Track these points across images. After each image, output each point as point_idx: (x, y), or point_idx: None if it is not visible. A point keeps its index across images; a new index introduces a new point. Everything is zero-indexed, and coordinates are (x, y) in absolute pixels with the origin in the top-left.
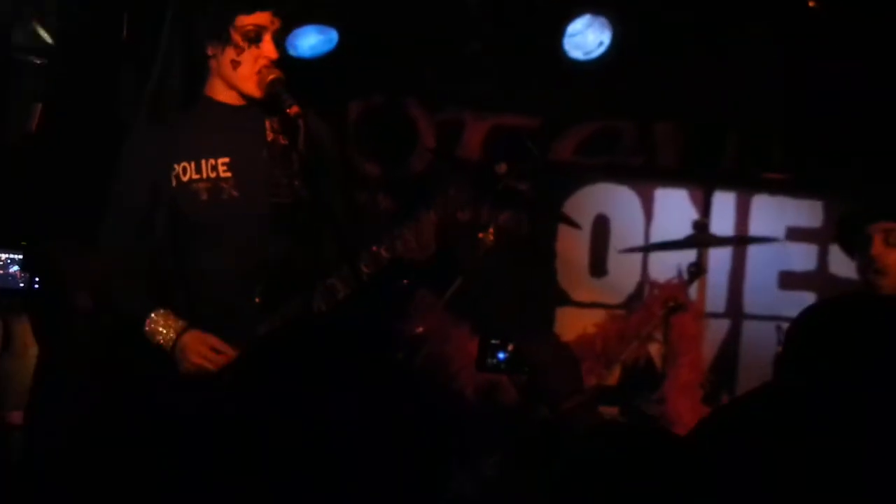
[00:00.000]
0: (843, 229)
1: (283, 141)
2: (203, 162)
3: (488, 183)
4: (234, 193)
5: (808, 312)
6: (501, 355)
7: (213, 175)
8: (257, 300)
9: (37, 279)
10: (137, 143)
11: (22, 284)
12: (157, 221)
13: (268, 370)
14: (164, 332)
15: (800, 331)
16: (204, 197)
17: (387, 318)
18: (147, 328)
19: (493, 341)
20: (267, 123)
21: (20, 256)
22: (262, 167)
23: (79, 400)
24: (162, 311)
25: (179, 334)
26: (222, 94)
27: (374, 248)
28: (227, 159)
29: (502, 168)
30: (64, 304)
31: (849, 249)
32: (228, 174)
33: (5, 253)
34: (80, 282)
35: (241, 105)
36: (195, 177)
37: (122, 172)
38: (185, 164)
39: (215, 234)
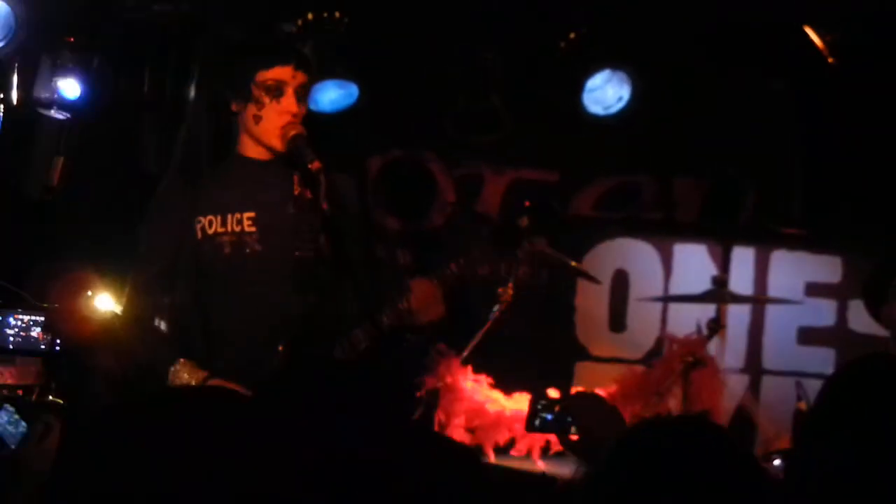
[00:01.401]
0: (868, 291)
1: (308, 195)
2: (229, 216)
3: (510, 238)
4: (258, 248)
5: (846, 373)
6: (549, 416)
7: (237, 229)
8: (280, 349)
9: (58, 341)
10: (166, 197)
11: (43, 346)
12: (182, 274)
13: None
14: (188, 380)
15: (836, 391)
16: (227, 251)
17: (405, 373)
18: (171, 378)
19: (542, 402)
20: (295, 178)
21: (41, 318)
22: (287, 222)
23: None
24: (184, 360)
25: (202, 384)
26: (250, 149)
27: (399, 304)
28: (252, 214)
29: (524, 222)
30: (86, 364)
31: (875, 311)
32: (253, 228)
33: (27, 315)
34: (102, 342)
35: (269, 160)
36: (220, 230)
37: (149, 224)
38: (210, 217)
39: (238, 287)
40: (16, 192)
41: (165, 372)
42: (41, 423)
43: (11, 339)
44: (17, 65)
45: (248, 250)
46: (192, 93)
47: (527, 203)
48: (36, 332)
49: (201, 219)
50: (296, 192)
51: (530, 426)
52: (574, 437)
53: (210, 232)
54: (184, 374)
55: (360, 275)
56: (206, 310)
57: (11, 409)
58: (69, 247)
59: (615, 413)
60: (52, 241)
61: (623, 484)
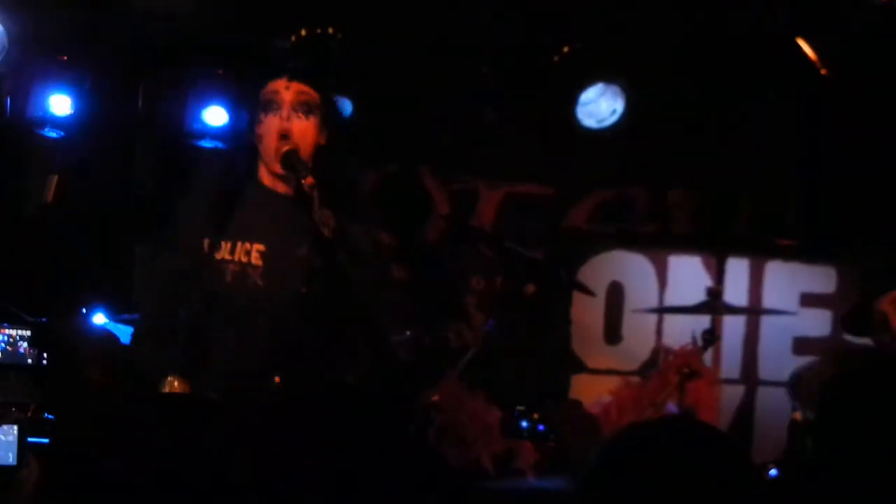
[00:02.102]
0: (853, 321)
1: (327, 234)
2: (239, 244)
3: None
4: (259, 283)
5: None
6: (525, 423)
7: (244, 259)
8: (276, 380)
9: (45, 355)
10: (186, 214)
11: (30, 360)
12: (193, 292)
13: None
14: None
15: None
16: (228, 279)
17: (402, 389)
18: (161, 389)
19: (519, 408)
20: (305, 211)
21: (28, 333)
22: (297, 262)
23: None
24: (173, 377)
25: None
26: (266, 177)
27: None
28: (262, 247)
29: (530, 289)
30: (74, 379)
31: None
32: (259, 262)
33: (14, 329)
34: (90, 356)
35: (288, 193)
36: (227, 257)
37: (167, 240)
38: (222, 241)
39: (236, 314)
40: (10, 210)
41: (159, 380)
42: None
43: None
44: (9, 83)
45: (249, 283)
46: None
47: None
48: (23, 346)
49: (211, 240)
50: (315, 232)
51: (506, 433)
52: (551, 445)
53: (217, 255)
54: (168, 389)
55: (368, 297)
56: (208, 327)
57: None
58: (64, 263)
59: (591, 420)
60: (47, 258)
61: (614, 484)
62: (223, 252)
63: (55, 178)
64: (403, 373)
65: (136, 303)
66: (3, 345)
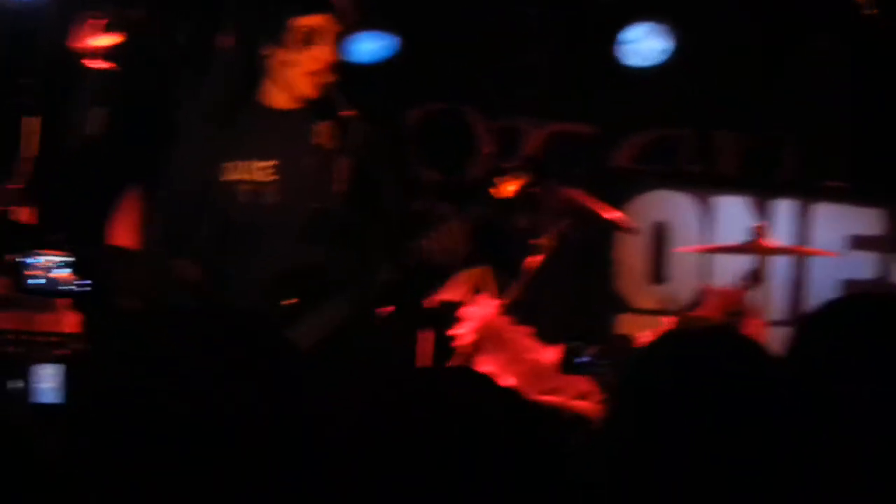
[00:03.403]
0: None
1: (330, 145)
2: (248, 164)
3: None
4: (275, 199)
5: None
6: (582, 359)
7: (255, 178)
8: (290, 304)
9: (85, 282)
10: (190, 142)
11: (68, 288)
12: (205, 220)
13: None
14: None
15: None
16: (243, 199)
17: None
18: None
19: (574, 343)
20: (317, 128)
21: (65, 260)
22: (306, 173)
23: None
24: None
25: None
26: (275, 96)
27: (424, 241)
28: (270, 163)
29: (565, 225)
30: (112, 305)
31: None
32: (270, 178)
33: (55, 257)
34: (127, 283)
35: (291, 109)
36: (238, 177)
37: (172, 170)
38: (230, 163)
39: (251, 236)
40: (56, 142)
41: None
42: None
43: (36, 281)
44: (56, 14)
45: (262, 200)
46: (225, 38)
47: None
48: (60, 273)
49: (223, 164)
50: (316, 143)
51: (565, 368)
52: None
53: (229, 178)
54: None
55: (391, 225)
56: (222, 255)
57: (58, 371)
58: (107, 196)
59: None
60: (91, 190)
61: (649, 391)
62: (233, 173)
63: (101, 111)
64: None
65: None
66: (43, 273)
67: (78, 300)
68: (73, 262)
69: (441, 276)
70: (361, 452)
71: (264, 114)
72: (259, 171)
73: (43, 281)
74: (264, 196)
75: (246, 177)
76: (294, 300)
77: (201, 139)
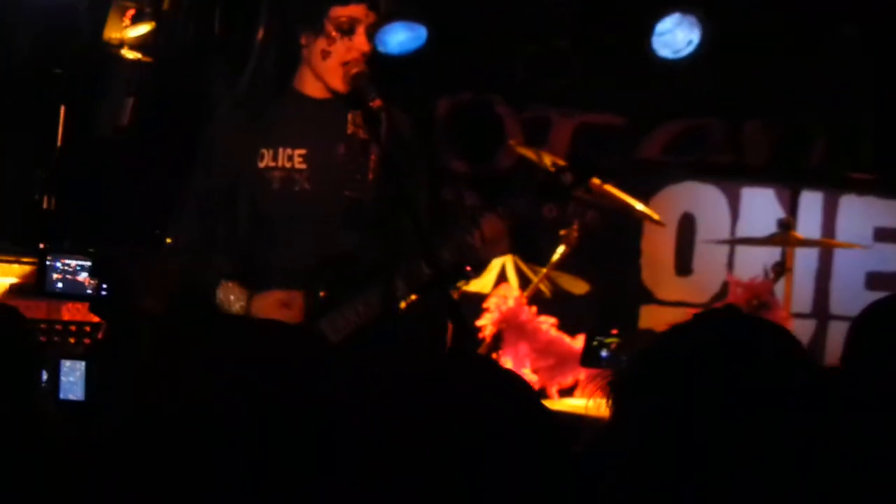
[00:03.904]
0: None
1: (362, 135)
2: (280, 150)
3: (556, 193)
4: (307, 186)
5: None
6: (605, 353)
7: (288, 165)
8: (322, 294)
9: (105, 285)
10: (222, 128)
11: (90, 291)
12: (238, 207)
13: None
14: (233, 300)
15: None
16: (276, 186)
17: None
18: (219, 297)
19: (597, 339)
20: (349, 117)
21: (88, 263)
22: (338, 162)
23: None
24: (230, 282)
25: (248, 301)
26: (309, 84)
27: (466, 238)
28: (303, 151)
29: (568, 178)
30: (132, 308)
31: None
32: (303, 166)
33: (74, 259)
34: (148, 286)
35: (326, 98)
36: (271, 164)
37: (203, 156)
38: (263, 150)
39: (284, 224)
40: (87, 131)
41: (214, 289)
42: None
43: (59, 284)
44: (89, 5)
45: (296, 188)
46: (260, 26)
47: (564, 162)
48: (82, 276)
49: (255, 151)
50: (349, 132)
51: (584, 361)
52: None
53: (261, 165)
54: (231, 295)
55: (420, 215)
56: (253, 244)
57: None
58: (137, 186)
59: None
60: (121, 180)
61: (667, 382)
62: (266, 160)
63: (131, 100)
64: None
65: (172, 222)
66: (63, 275)
67: (98, 304)
68: (95, 265)
69: (474, 267)
70: (368, 443)
71: (299, 102)
72: (290, 158)
73: (66, 284)
74: (297, 184)
75: (277, 164)
76: (326, 290)
77: (234, 127)
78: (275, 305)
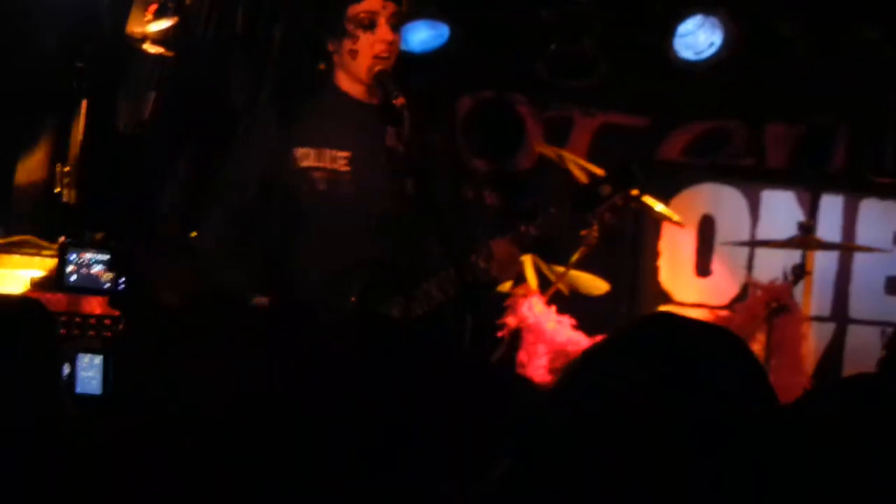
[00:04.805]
0: None
1: (402, 145)
2: (325, 152)
3: (590, 203)
4: (350, 189)
5: None
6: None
7: (331, 166)
8: (353, 299)
9: (122, 279)
10: (257, 126)
11: (107, 285)
12: (272, 206)
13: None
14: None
15: None
16: (322, 187)
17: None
18: (253, 302)
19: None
20: (389, 128)
21: (104, 256)
22: (381, 166)
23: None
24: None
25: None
26: (348, 86)
27: (473, 257)
28: (348, 154)
29: (606, 190)
30: (149, 302)
31: None
32: (347, 168)
33: (90, 253)
34: (165, 280)
35: (369, 102)
36: (314, 164)
37: (238, 152)
38: (306, 149)
39: (322, 225)
40: (109, 126)
41: (246, 296)
42: None
43: (74, 277)
44: (112, 0)
45: (341, 190)
46: (281, 29)
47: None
48: (97, 269)
49: (295, 150)
50: (390, 143)
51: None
52: None
53: (303, 165)
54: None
55: (445, 216)
56: (287, 243)
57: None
58: (159, 180)
59: None
60: (143, 174)
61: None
62: (309, 160)
63: (153, 95)
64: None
65: (203, 219)
66: (78, 268)
67: (116, 298)
68: (113, 258)
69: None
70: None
71: (342, 103)
72: (334, 160)
73: (81, 278)
74: (341, 186)
75: (321, 164)
76: (361, 292)
77: (270, 126)
78: None
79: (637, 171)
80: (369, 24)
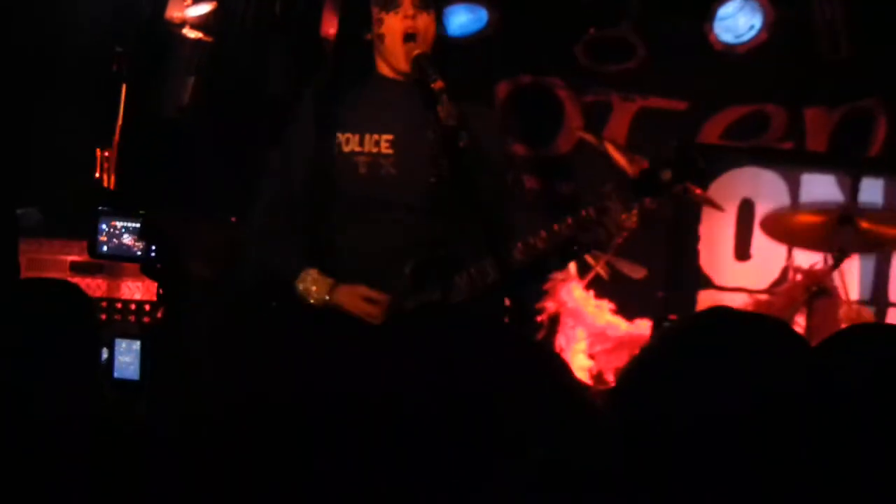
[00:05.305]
0: None
1: (451, 122)
2: (367, 136)
3: (649, 189)
4: (392, 171)
5: None
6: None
7: (374, 150)
8: (407, 277)
9: (153, 247)
10: (305, 114)
11: (139, 252)
12: (319, 192)
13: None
14: (315, 290)
15: None
16: (363, 171)
17: (530, 300)
18: (300, 286)
19: (665, 324)
20: (438, 109)
21: (136, 225)
22: (425, 148)
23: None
24: (311, 270)
25: (331, 291)
26: (386, 70)
27: (532, 239)
28: (390, 136)
29: (667, 175)
30: (180, 272)
31: None
32: (389, 151)
33: (121, 221)
34: (195, 250)
35: (410, 87)
36: (357, 149)
37: (286, 141)
38: (348, 135)
39: (369, 209)
40: (149, 111)
41: (295, 277)
42: None
43: (105, 246)
44: None
45: (383, 172)
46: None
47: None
48: (128, 237)
49: (339, 136)
50: (438, 119)
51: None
52: None
53: (346, 150)
54: (311, 284)
55: (486, 202)
56: (335, 227)
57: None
58: (198, 165)
59: None
60: (182, 159)
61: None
62: (352, 145)
63: (192, 80)
64: (523, 278)
65: (247, 207)
66: (109, 237)
67: (147, 266)
68: (144, 227)
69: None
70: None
71: (383, 86)
72: (376, 143)
73: (112, 247)
74: (383, 169)
75: (363, 149)
76: (409, 273)
77: (310, 111)
78: (359, 299)
79: (701, 160)
80: (391, 5)
